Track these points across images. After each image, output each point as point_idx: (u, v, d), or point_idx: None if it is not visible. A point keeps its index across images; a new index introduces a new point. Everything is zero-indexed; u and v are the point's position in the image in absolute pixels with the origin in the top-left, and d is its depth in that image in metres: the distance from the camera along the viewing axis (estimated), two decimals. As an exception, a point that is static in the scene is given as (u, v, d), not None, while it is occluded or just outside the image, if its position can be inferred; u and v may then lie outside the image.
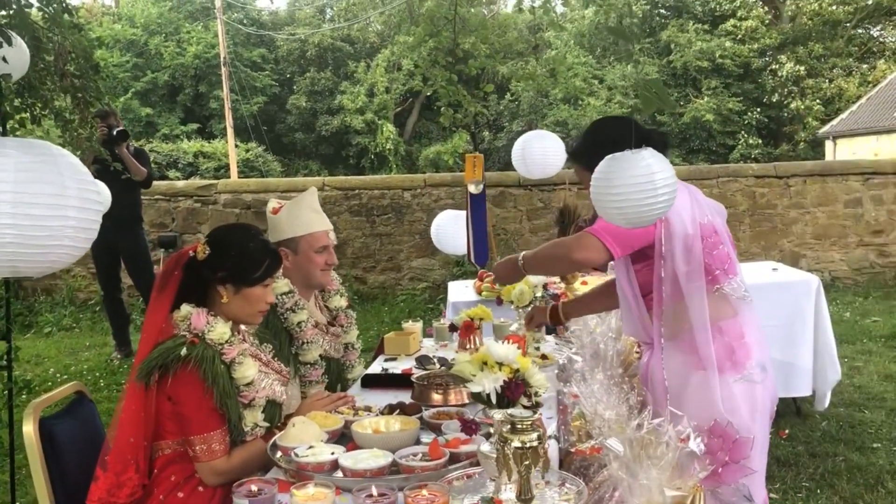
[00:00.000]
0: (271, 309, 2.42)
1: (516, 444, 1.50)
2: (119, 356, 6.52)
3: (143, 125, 26.74)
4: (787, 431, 4.26)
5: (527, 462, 1.51)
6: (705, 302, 2.14)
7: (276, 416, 2.22)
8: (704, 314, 2.14)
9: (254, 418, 2.10)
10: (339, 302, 2.95)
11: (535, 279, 3.21)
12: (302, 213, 2.71)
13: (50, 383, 5.84)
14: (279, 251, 2.34)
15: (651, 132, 2.24)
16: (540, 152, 4.86)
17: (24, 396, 4.54)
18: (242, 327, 2.25)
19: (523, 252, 2.52)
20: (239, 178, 21.29)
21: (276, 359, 2.34)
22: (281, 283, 2.60)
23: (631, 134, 2.16)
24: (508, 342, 1.81)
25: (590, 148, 2.33)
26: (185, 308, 2.11)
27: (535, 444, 1.50)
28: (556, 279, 3.84)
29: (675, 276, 2.15)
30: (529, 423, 1.51)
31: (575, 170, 2.47)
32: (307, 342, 2.64)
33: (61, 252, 1.63)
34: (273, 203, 2.77)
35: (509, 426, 1.52)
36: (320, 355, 2.69)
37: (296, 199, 2.77)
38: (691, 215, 2.16)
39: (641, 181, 1.57)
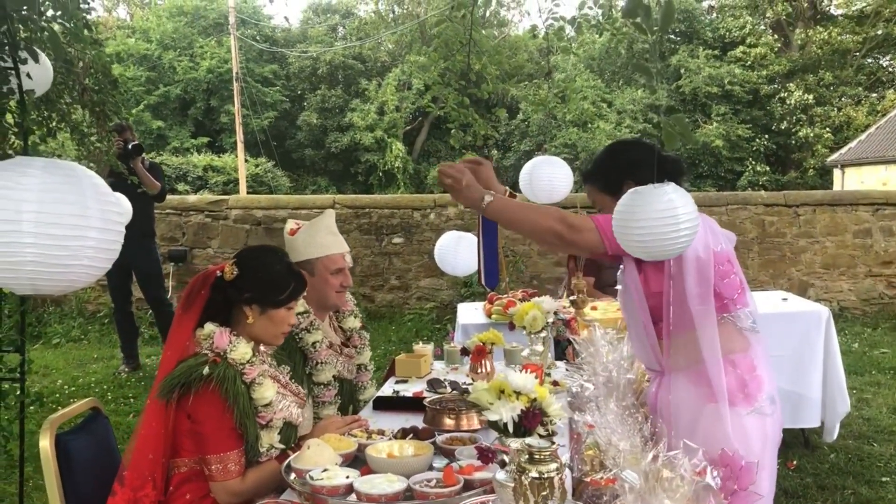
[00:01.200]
0: (287, 329, 2.44)
1: (534, 474, 1.51)
2: (126, 370, 6.54)
3: (154, 138, 26.95)
4: (794, 462, 4.24)
5: (544, 493, 1.51)
6: (716, 331, 2.13)
7: (292, 437, 2.24)
8: (716, 345, 2.13)
9: (270, 439, 2.11)
10: (353, 323, 2.97)
11: (549, 305, 3.21)
12: (319, 235, 2.74)
13: (58, 395, 5.85)
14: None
15: (666, 159, 2.23)
16: (547, 178, 4.88)
17: (31, 408, 4.55)
18: (262, 348, 2.28)
19: (492, 196, 2.18)
20: (247, 192, 21.42)
21: (293, 380, 2.35)
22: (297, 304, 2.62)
23: (647, 158, 2.15)
24: (526, 371, 1.81)
25: (606, 170, 2.33)
26: (209, 327, 2.14)
27: (552, 474, 1.51)
28: (566, 304, 3.84)
29: (685, 298, 2.14)
30: (548, 453, 1.52)
31: (587, 191, 2.42)
32: (321, 363, 2.66)
33: (81, 272, 1.65)
34: (291, 224, 2.80)
35: (527, 456, 1.53)
36: (334, 376, 2.71)
37: (313, 221, 2.79)
38: (704, 242, 2.14)
39: (664, 215, 1.59)
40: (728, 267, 2.20)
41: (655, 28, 1.47)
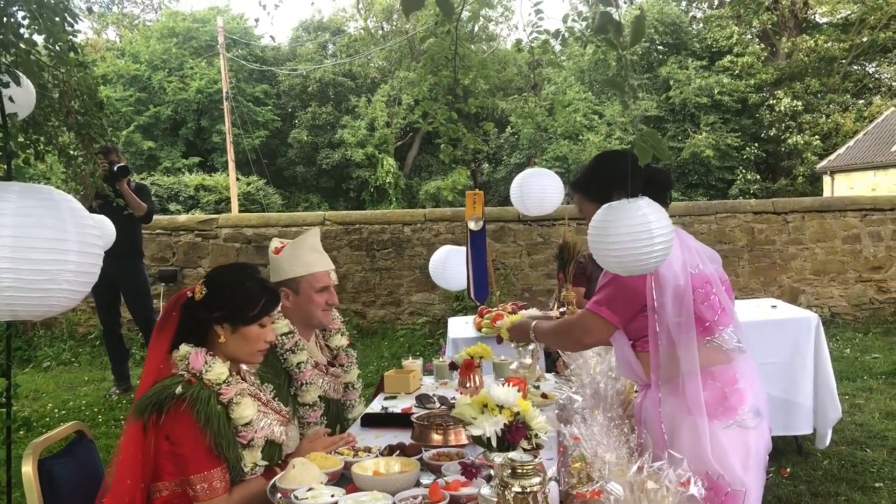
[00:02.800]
0: (271, 349, 2.42)
1: (517, 489, 1.50)
2: (118, 391, 6.50)
3: (145, 158, 26.95)
4: (788, 470, 4.23)
5: (527, 507, 1.51)
6: (695, 352, 2.13)
7: (276, 456, 2.22)
8: (695, 362, 2.13)
9: (253, 458, 2.09)
10: (340, 341, 2.95)
11: (534, 311, 3.22)
12: (303, 253, 2.73)
13: (48, 419, 5.81)
14: (279, 290, 2.35)
15: (655, 172, 2.24)
16: (538, 190, 4.90)
17: (21, 433, 4.52)
18: (244, 367, 2.26)
19: (535, 323, 2.64)
20: (240, 210, 21.42)
21: (276, 399, 2.34)
22: (281, 324, 2.61)
23: (639, 169, 2.16)
24: (509, 384, 1.81)
25: (597, 179, 2.33)
26: (184, 348, 2.12)
27: (535, 489, 1.51)
28: (556, 315, 3.84)
29: (667, 327, 2.16)
30: (531, 467, 1.51)
31: (576, 200, 2.43)
32: (306, 383, 2.64)
33: (60, 296, 1.64)
34: (275, 243, 2.79)
35: (510, 471, 1.52)
36: (319, 396, 2.69)
37: (297, 239, 2.78)
38: (682, 265, 2.15)
39: (638, 230, 1.60)
40: (707, 288, 2.19)
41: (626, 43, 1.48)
